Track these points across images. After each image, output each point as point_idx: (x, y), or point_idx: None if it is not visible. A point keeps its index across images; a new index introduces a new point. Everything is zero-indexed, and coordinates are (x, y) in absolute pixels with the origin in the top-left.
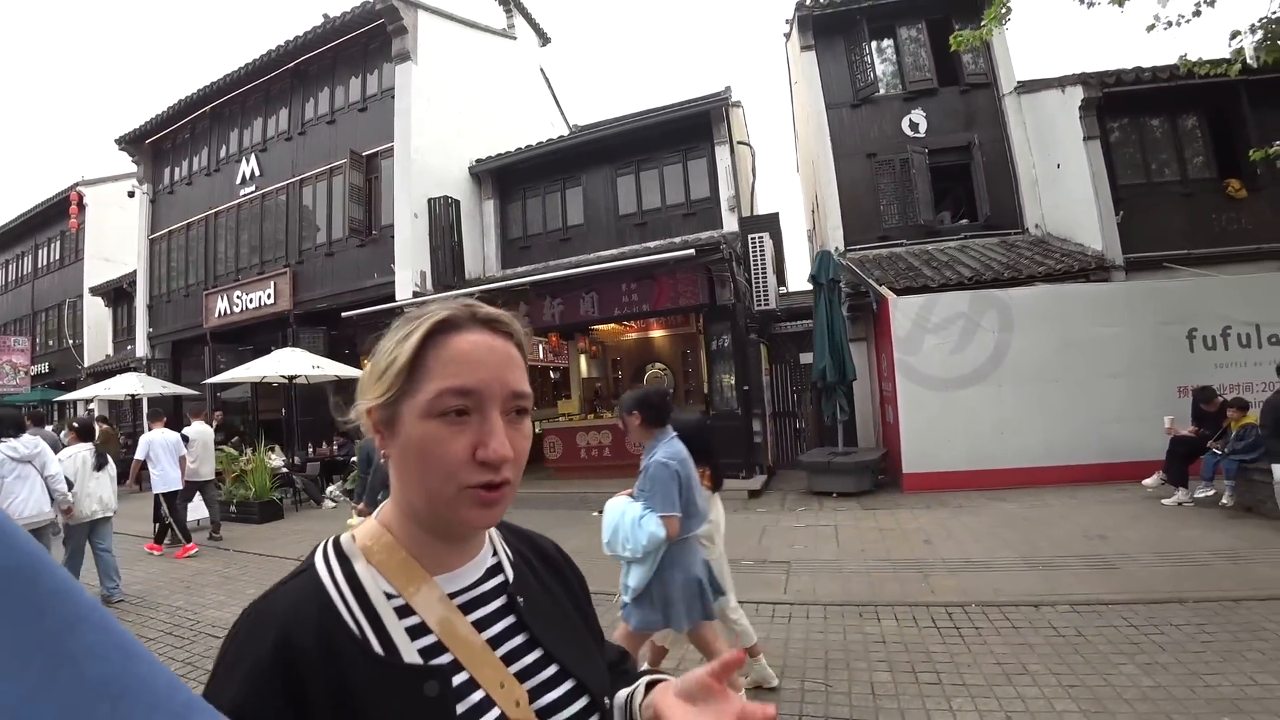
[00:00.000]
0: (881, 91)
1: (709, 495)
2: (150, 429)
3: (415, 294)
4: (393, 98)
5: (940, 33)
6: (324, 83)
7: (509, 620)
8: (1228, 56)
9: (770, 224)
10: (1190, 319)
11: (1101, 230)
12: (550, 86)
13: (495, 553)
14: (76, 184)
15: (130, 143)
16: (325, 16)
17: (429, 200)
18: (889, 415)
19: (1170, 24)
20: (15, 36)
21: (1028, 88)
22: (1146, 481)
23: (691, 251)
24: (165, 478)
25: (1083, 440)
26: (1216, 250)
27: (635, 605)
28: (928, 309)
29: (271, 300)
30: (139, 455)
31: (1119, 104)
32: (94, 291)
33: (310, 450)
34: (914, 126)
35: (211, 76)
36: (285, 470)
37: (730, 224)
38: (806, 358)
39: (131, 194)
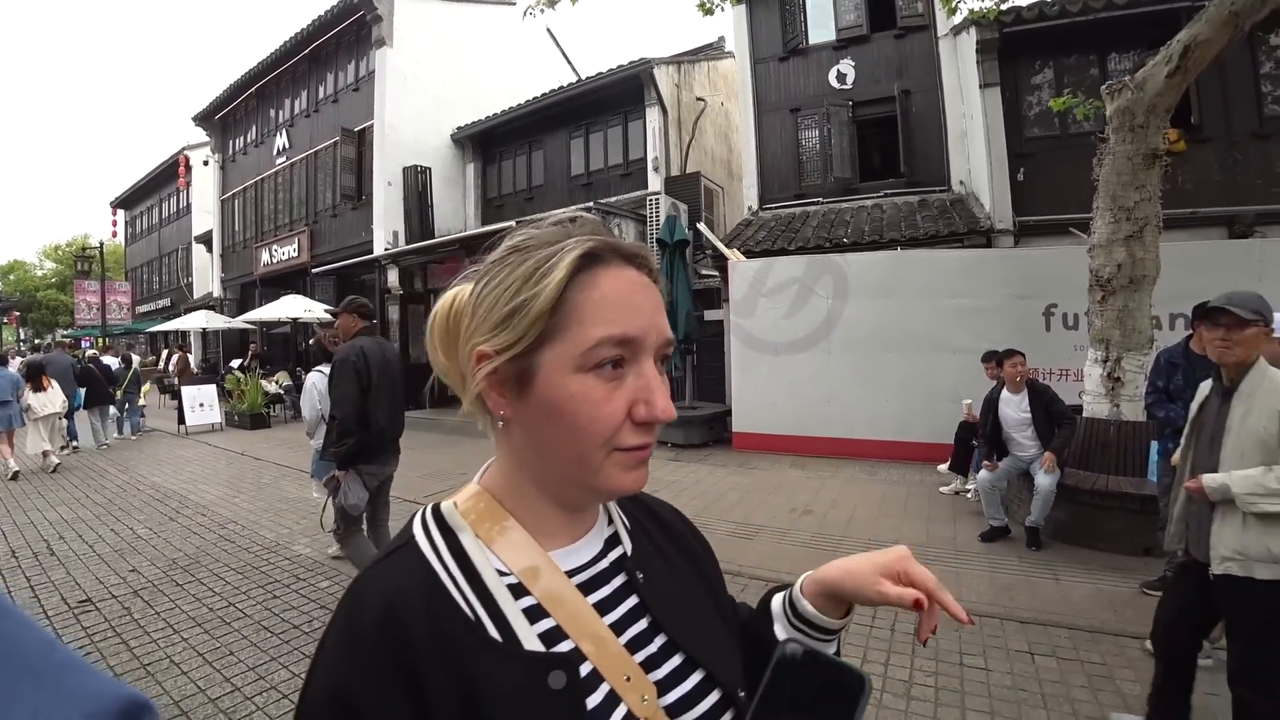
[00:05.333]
0: (810, 41)
1: None
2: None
3: (387, 249)
4: None
5: None
6: (329, 67)
7: (631, 601)
8: None
9: (691, 184)
10: (1049, 293)
11: (991, 189)
12: (557, 43)
13: (611, 520)
14: (183, 149)
15: (203, 119)
16: (325, 12)
17: (404, 169)
18: None
19: None
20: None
21: (963, 28)
22: (940, 467)
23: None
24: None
25: (912, 417)
26: None
27: None
28: (763, 273)
29: (297, 254)
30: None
31: (1027, 44)
32: (197, 240)
33: (301, 376)
34: (841, 78)
35: (255, 60)
36: (279, 391)
37: (655, 184)
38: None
39: (206, 162)
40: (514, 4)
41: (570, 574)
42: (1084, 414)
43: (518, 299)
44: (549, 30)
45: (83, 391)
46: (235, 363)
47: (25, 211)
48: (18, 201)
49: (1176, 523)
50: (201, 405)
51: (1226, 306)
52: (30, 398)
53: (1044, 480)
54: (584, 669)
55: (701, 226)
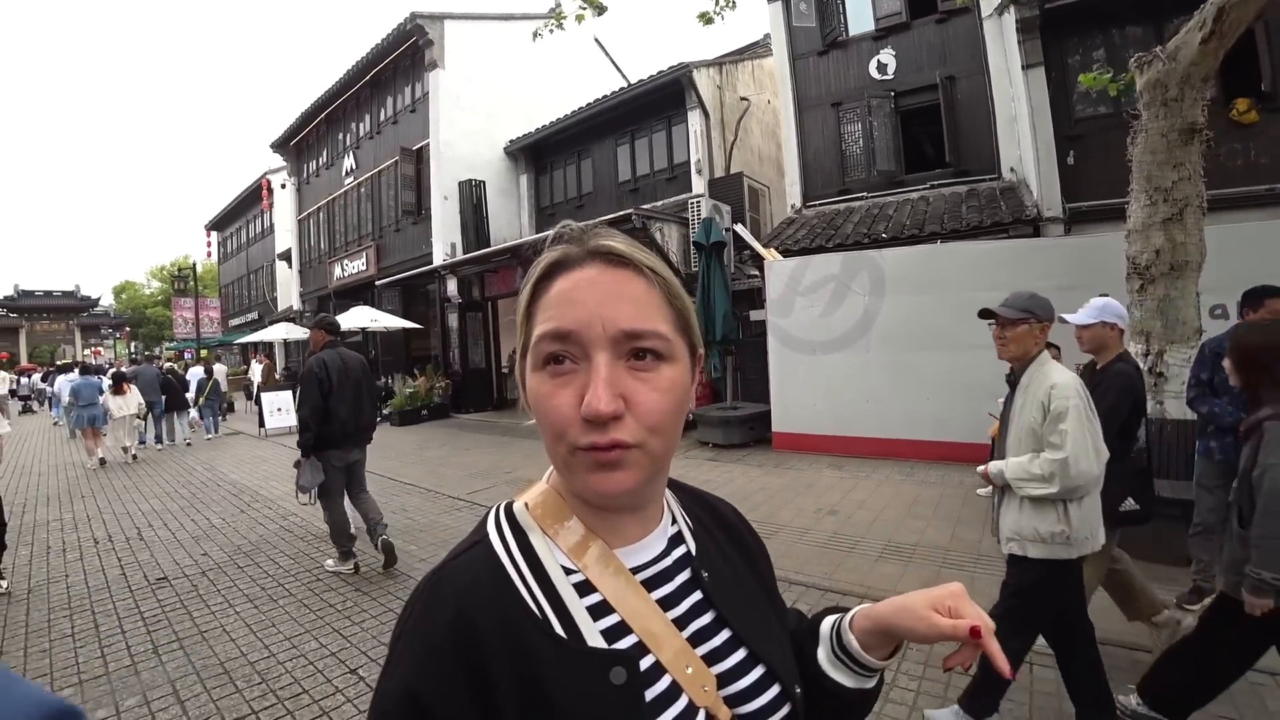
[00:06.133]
0: (850, 33)
1: None
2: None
3: (445, 260)
4: None
5: None
6: (389, 91)
7: (695, 597)
8: None
9: (734, 184)
10: (1098, 283)
11: (1038, 175)
12: (605, 50)
13: (675, 520)
14: (265, 174)
15: (280, 145)
16: (381, 40)
17: (459, 183)
18: None
19: None
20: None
21: (1004, 7)
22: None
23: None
24: None
25: (952, 416)
26: (1211, 193)
27: None
28: (800, 271)
29: (365, 267)
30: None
31: (1072, 19)
32: (279, 257)
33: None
34: (882, 68)
35: (322, 88)
36: None
37: (699, 186)
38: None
39: (284, 185)
40: (564, 16)
41: (636, 570)
42: None
43: (519, 306)
44: (596, 39)
45: (164, 399)
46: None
47: (135, 236)
48: (129, 227)
49: (992, 510)
50: (279, 410)
51: (993, 309)
52: (110, 401)
53: None
54: (645, 662)
55: (739, 227)
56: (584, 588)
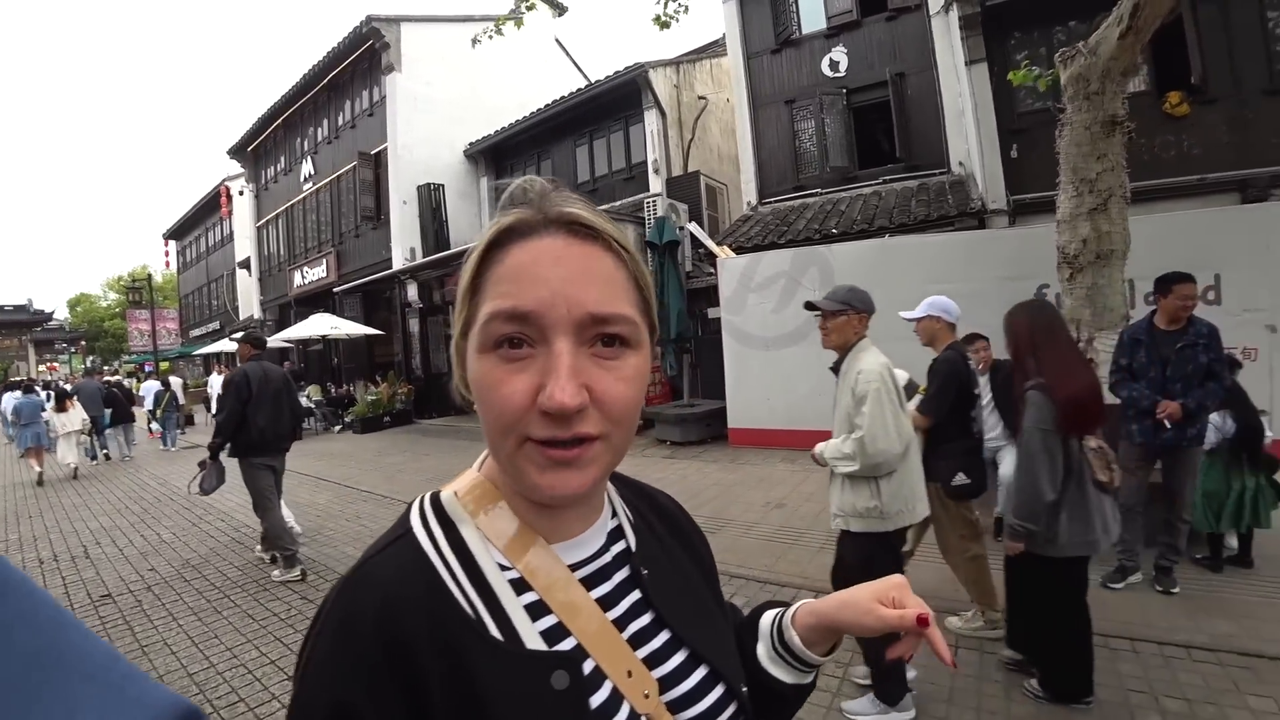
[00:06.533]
0: (803, 32)
1: None
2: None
3: (405, 264)
4: None
5: None
6: (346, 95)
7: (634, 596)
8: None
9: (691, 183)
10: (1040, 273)
11: (983, 169)
12: (566, 51)
13: (615, 514)
14: (224, 180)
15: (237, 151)
16: (338, 43)
17: (418, 187)
18: None
19: None
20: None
21: (949, 5)
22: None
23: None
24: None
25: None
26: (1146, 184)
27: None
28: (751, 268)
29: (326, 274)
30: None
31: (1013, 16)
32: (240, 265)
33: (332, 391)
34: (834, 66)
35: (279, 93)
36: (311, 405)
37: (656, 186)
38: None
39: (241, 192)
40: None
41: (573, 568)
42: None
43: (462, 280)
44: (557, 40)
45: (109, 412)
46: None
47: (91, 247)
48: (84, 238)
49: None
50: None
51: (815, 301)
52: (52, 418)
53: (1006, 469)
54: (587, 666)
55: (692, 226)
56: (520, 585)
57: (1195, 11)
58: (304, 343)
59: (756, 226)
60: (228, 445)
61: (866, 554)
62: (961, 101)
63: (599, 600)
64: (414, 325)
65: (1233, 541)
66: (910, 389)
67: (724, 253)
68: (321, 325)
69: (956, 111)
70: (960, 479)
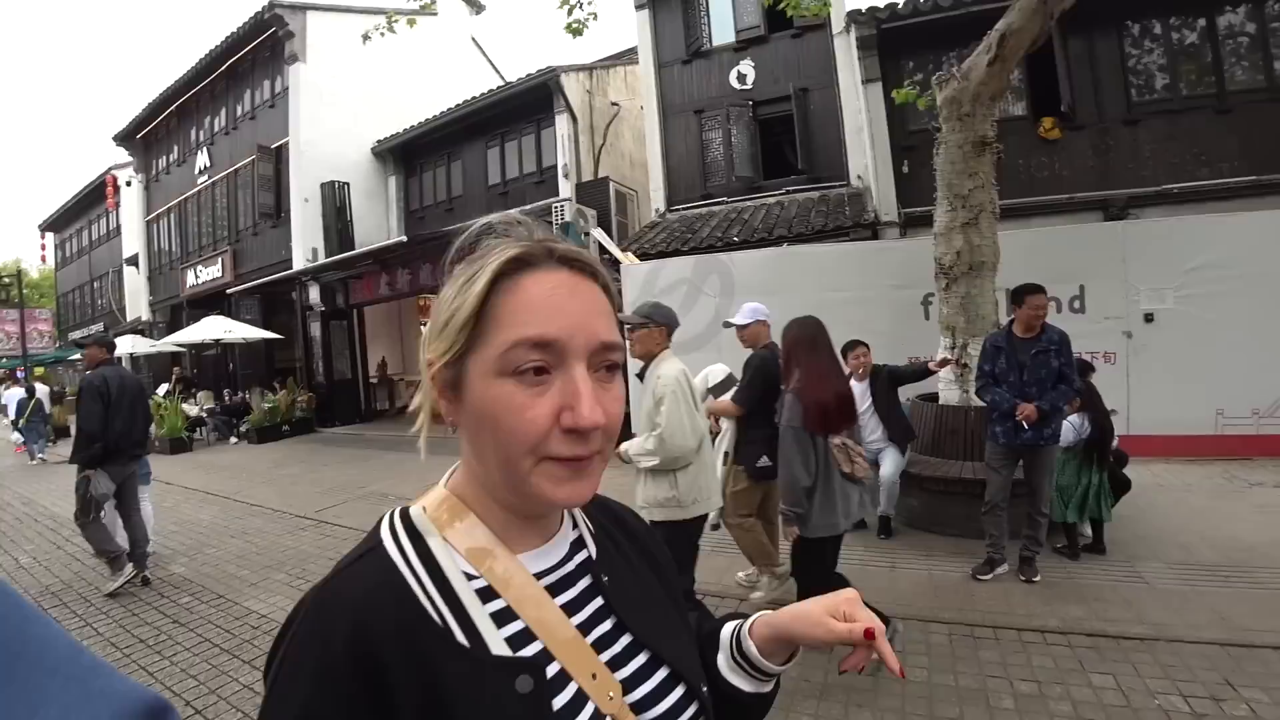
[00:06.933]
0: (713, 44)
1: None
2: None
3: (306, 264)
4: None
5: None
6: (246, 83)
7: (597, 603)
8: None
9: (601, 189)
10: (927, 283)
11: (876, 182)
12: (483, 51)
13: (576, 525)
14: (110, 169)
15: (125, 138)
16: (237, 28)
17: (321, 184)
18: None
19: None
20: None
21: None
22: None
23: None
24: None
25: None
26: (1022, 201)
27: None
28: (654, 275)
29: (221, 274)
30: None
31: (906, 39)
32: (128, 262)
33: (227, 398)
34: (742, 78)
35: (174, 76)
36: (203, 414)
37: (566, 191)
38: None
39: (129, 183)
40: (435, 14)
41: (538, 576)
42: (939, 401)
43: (451, 308)
44: (474, 39)
45: None
46: (162, 388)
47: None
48: None
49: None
50: None
51: (622, 316)
52: None
53: (885, 470)
54: (551, 669)
55: (597, 231)
56: (486, 594)
57: (1066, 45)
58: (197, 347)
59: (663, 233)
60: (96, 446)
61: (665, 540)
62: (860, 118)
63: (563, 606)
64: (316, 329)
65: (1087, 530)
66: (730, 381)
67: (628, 259)
68: (214, 328)
69: (856, 127)
70: (764, 461)
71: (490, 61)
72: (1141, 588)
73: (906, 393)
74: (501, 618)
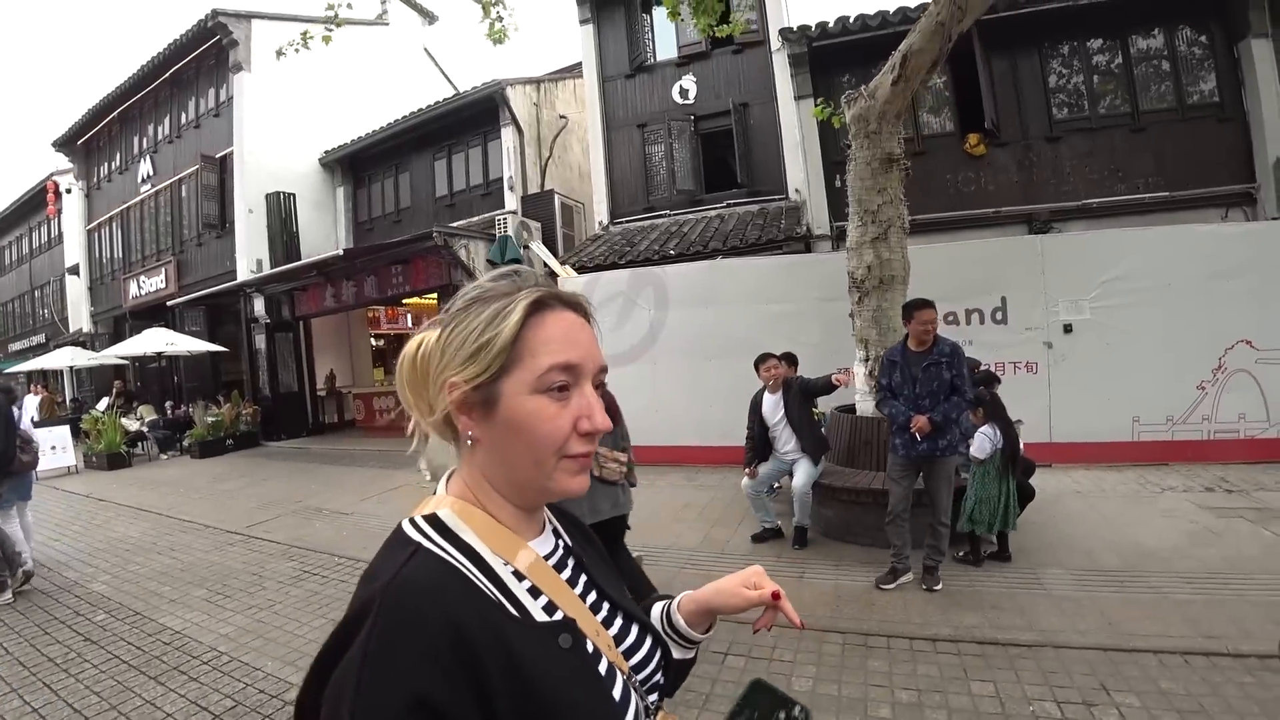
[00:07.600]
0: (656, 59)
1: None
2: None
3: (250, 276)
4: None
5: None
6: (190, 91)
7: (584, 578)
8: None
9: (546, 201)
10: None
11: (809, 196)
12: (436, 62)
13: (549, 520)
14: (52, 174)
15: (65, 144)
16: (180, 35)
17: (266, 195)
18: None
19: None
20: None
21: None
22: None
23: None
24: None
25: (737, 422)
26: (950, 215)
27: None
28: (590, 288)
29: (164, 284)
30: None
31: (837, 57)
32: (69, 271)
33: (170, 411)
34: (684, 93)
35: (116, 82)
36: (141, 429)
37: (511, 203)
38: None
39: (69, 190)
40: (387, 24)
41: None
42: (856, 413)
43: (483, 338)
44: (426, 50)
45: None
46: (103, 402)
47: None
48: None
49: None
50: (54, 448)
51: None
52: None
53: (797, 481)
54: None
55: (536, 245)
56: (518, 576)
57: (989, 64)
58: (140, 360)
59: (604, 246)
60: None
61: None
62: (796, 133)
63: (565, 581)
64: (260, 341)
65: (992, 538)
66: None
67: (566, 272)
68: (156, 341)
69: (794, 141)
70: None
71: (444, 73)
72: (1039, 594)
73: (828, 404)
74: (534, 593)
